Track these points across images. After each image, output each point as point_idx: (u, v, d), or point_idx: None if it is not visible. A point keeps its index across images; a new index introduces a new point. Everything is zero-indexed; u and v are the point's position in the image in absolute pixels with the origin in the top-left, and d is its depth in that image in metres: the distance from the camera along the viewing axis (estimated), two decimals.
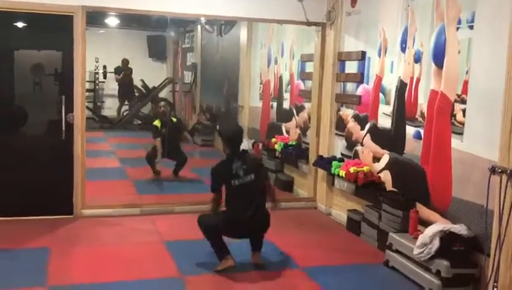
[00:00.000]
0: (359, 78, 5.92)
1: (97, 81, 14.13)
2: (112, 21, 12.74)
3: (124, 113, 14.34)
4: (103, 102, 14.68)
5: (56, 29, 5.79)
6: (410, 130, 5.06)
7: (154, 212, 6.15)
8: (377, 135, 5.62)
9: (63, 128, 5.79)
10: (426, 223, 4.65)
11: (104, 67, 13.71)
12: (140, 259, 4.77)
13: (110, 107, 14.80)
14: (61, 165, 5.87)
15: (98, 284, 4.20)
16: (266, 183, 4.91)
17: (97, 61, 13.67)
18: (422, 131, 4.88)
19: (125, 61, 13.86)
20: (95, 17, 10.40)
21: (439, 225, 4.33)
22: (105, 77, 14.08)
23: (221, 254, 4.54)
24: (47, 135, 6.04)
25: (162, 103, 8.60)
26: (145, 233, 5.53)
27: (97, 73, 13.97)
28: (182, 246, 5.13)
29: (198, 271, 4.53)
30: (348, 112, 6.19)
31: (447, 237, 4.18)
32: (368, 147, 5.75)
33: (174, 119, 8.53)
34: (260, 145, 8.49)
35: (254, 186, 4.55)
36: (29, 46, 6.00)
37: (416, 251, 4.32)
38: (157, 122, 8.06)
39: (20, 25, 5.88)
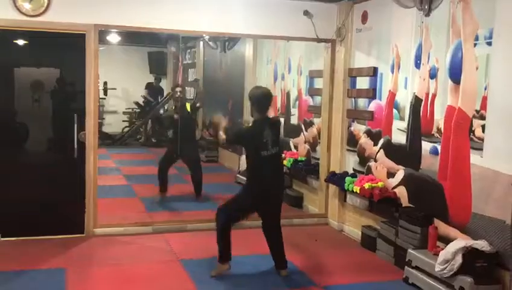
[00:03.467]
0: (371, 94, 5.94)
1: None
2: (113, 38, 12.74)
3: (125, 130, 14.33)
4: (103, 119, 14.64)
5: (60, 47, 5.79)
6: (426, 146, 5.06)
7: (166, 230, 6.10)
8: (392, 150, 5.62)
9: (75, 147, 5.76)
10: (445, 239, 4.65)
11: (105, 83, 13.66)
12: (158, 278, 4.73)
13: (111, 124, 14.78)
14: (72, 183, 5.83)
15: None
16: None
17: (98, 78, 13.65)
18: (439, 147, 4.88)
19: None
20: None
21: (461, 241, 4.31)
22: (105, 94, 14.03)
23: (224, 254, 4.67)
24: (57, 153, 6.01)
25: (179, 88, 8.07)
26: (160, 252, 5.49)
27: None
28: (198, 265, 5.08)
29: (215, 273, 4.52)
30: (360, 128, 6.19)
31: (469, 253, 4.17)
32: (382, 163, 5.75)
33: (189, 108, 7.95)
34: None
35: (278, 158, 4.79)
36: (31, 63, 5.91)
37: (438, 268, 4.30)
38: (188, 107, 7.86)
39: (21, 42, 5.86)
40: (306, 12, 6.24)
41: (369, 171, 5.97)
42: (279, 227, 4.85)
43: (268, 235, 4.85)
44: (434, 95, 4.99)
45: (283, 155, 5.09)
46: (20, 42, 5.83)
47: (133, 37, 13.09)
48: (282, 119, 8.27)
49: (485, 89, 4.37)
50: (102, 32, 5.75)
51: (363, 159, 6.11)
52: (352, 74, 6.32)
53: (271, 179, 4.70)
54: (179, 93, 7.97)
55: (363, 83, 6.16)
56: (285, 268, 4.83)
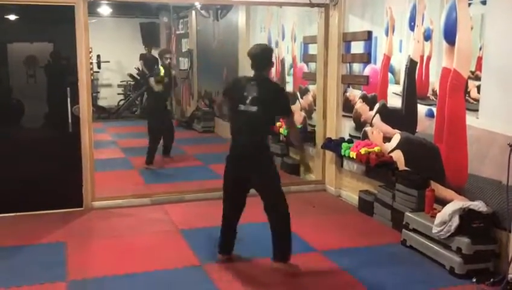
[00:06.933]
0: (366, 58, 5.88)
1: (92, 72, 13.97)
2: (105, 10, 12.59)
3: (120, 103, 14.26)
4: (98, 92, 14.56)
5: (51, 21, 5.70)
6: (422, 109, 5.04)
7: (164, 201, 6.13)
8: (387, 114, 5.60)
9: (70, 121, 5.73)
10: (441, 201, 4.67)
11: (98, 56, 13.56)
12: (158, 249, 4.76)
13: (106, 97, 14.72)
14: (69, 158, 5.82)
15: (121, 276, 4.18)
16: (286, 120, 4.66)
17: (91, 51, 13.50)
18: (434, 109, 4.86)
19: None
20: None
21: (458, 202, 4.33)
22: (99, 67, 13.93)
23: (222, 245, 4.46)
24: (53, 128, 5.98)
25: (168, 55, 8.14)
26: (159, 222, 5.51)
27: (91, 63, 13.82)
28: (198, 234, 5.12)
29: (217, 259, 4.50)
30: (355, 93, 6.16)
31: (466, 214, 4.19)
32: (378, 128, 5.74)
33: (173, 73, 8.42)
34: None
35: (256, 119, 4.09)
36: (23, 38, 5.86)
37: (435, 229, 4.32)
38: (162, 72, 7.90)
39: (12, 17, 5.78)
40: None
41: (365, 136, 5.97)
42: (278, 208, 4.23)
43: (267, 216, 4.28)
44: (429, 57, 4.94)
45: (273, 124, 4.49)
46: (12, 17, 5.75)
47: (124, 8, 12.98)
48: None
49: (480, 49, 4.32)
50: (92, 5, 5.67)
51: (359, 125, 6.10)
52: (347, 39, 6.25)
53: (246, 138, 4.13)
54: (169, 60, 7.99)
55: (357, 47, 6.10)
56: (281, 261, 4.25)
